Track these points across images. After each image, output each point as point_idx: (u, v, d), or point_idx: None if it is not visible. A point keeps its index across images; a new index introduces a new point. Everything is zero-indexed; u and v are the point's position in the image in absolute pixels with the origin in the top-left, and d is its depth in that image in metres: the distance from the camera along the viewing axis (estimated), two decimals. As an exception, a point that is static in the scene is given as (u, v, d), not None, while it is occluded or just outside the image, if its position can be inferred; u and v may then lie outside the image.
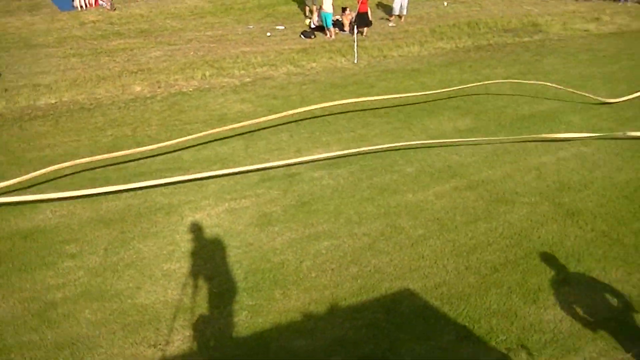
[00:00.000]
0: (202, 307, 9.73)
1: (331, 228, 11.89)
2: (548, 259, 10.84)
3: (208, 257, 11.07)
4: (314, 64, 23.21)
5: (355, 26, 25.25)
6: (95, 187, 13.46)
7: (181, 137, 16.06)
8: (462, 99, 19.02)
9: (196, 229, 11.98)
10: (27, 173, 13.99)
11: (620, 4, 36.11)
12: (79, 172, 14.55)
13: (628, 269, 10.55)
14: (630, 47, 26.04)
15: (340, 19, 28.41)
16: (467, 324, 9.25)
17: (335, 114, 17.86)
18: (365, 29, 27.41)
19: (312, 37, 27.50)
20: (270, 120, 17.02)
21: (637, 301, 9.68)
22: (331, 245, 11.31)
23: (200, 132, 16.47)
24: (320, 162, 14.76)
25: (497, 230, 11.80)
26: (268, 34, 28.20)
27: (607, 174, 14.13)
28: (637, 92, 19.10)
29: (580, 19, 31.53)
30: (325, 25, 27.67)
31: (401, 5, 29.87)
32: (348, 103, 17.97)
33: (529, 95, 19.37)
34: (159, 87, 21.06)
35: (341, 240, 11.44)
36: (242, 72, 22.45)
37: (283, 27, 29.22)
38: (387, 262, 10.77)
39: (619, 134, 16.21)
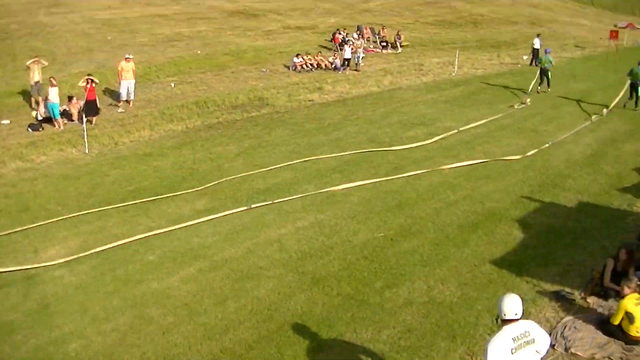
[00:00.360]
0: None
1: (78, 327, 11.60)
2: (300, 328, 11.31)
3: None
4: (44, 157, 22.47)
5: (84, 115, 24.93)
6: None
7: None
8: (197, 180, 19.31)
9: None
10: None
11: (339, 73, 38.58)
12: None
13: (377, 327, 11.30)
14: (352, 113, 27.88)
15: (68, 109, 27.83)
16: (224, 406, 9.41)
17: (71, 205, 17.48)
18: (94, 117, 27.06)
19: (40, 129, 26.65)
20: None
21: (389, 356, 10.40)
22: (79, 346, 11.03)
23: None
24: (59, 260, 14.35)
25: (247, 307, 12.12)
26: (-8, 129, 27.05)
27: (345, 237, 15.04)
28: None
29: (304, 90, 33.34)
30: (52, 116, 26.97)
31: (128, 90, 29.84)
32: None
33: (264, 168, 20.09)
34: None
35: (89, 340, 11.20)
36: (-32, 172, 21.27)
37: (8, 122, 28.04)
38: (140, 356, 10.71)
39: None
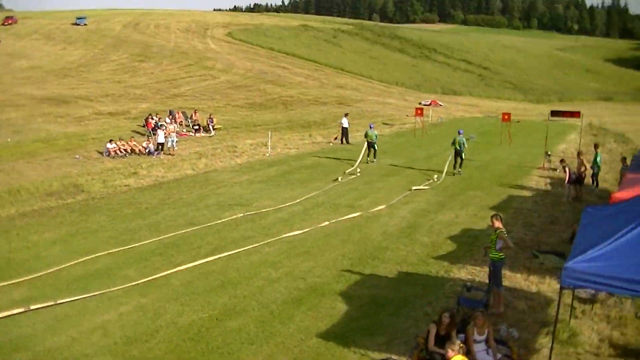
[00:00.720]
0: None
1: None
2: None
3: None
4: None
5: None
6: None
7: None
8: (14, 269, 18.70)
9: None
10: None
11: (154, 157, 38.72)
12: None
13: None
14: (169, 197, 28.12)
15: None
16: None
17: None
18: None
19: None
20: None
21: None
22: None
23: None
24: None
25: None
26: None
27: (170, 320, 15.24)
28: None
29: (119, 175, 33.19)
30: None
31: None
32: None
33: (82, 255, 19.83)
34: None
35: None
36: None
37: None
38: None
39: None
